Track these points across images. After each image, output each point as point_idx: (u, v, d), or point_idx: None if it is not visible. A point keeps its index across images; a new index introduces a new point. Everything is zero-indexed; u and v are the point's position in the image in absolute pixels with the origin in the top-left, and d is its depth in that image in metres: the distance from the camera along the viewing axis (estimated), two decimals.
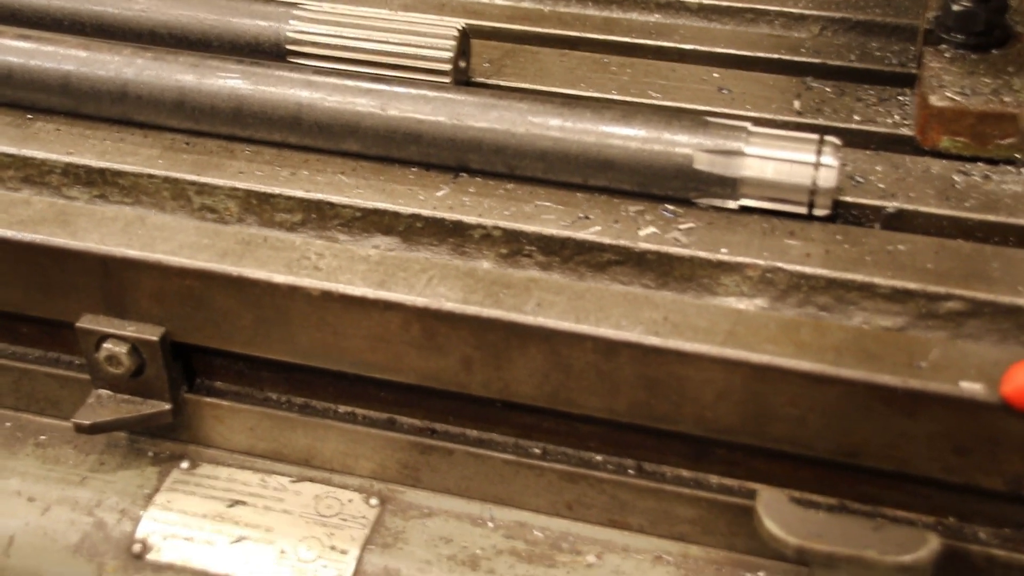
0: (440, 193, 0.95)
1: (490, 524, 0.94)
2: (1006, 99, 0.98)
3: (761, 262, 0.87)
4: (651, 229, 0.91)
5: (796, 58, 1.14)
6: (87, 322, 0.93)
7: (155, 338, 0.92)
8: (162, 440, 1.00)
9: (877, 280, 0.86)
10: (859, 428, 0.81)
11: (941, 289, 0.85)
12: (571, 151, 0.93)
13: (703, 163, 0.91)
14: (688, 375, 0.82)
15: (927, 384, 0.78)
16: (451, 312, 0.85)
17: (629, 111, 0.93)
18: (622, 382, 0.84)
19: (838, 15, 1.20)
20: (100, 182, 0.98)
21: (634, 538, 0.92)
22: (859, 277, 0.86)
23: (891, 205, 0.93)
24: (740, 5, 1.23)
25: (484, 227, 0.92)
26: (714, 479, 0.91)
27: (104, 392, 0.96)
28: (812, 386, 0.80)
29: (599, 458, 0.93)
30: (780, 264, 0.87)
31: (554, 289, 0.86)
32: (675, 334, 0.82)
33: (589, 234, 0.90)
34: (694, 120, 0.93)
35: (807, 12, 1.21)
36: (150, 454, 1.00)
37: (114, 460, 0.99)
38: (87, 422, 0.94)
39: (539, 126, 0.93)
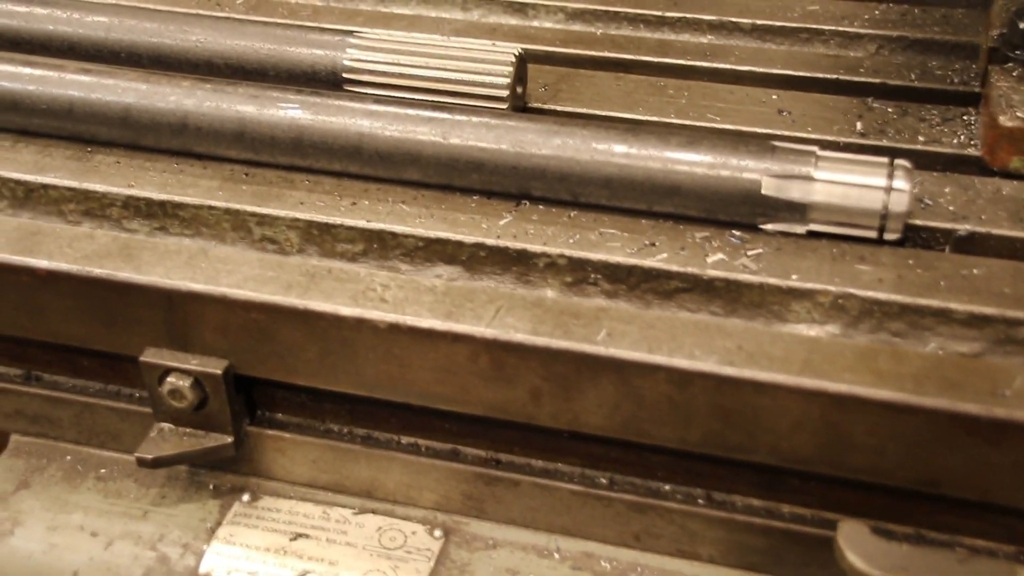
0: (503, 222, 0.94)
1: (556, 555, 0.93)
2: None
3: (832, 288, 0.86)
4: (719, 256, 0.89)
5: (855, 78, 1.13)
6: (151, 356, 0.92)
7: (218, 371, 0.91)
8: (223, 472, 1.00)
9: (953, 305, 0.84)
10: (940, 458, 0.79)
11: (1020, 314, 0.83)
12: (636, 177, 0.92)
13: (771, 188, 0.89)
14: (764, 405, 0.81)
15: (1012, 412, 0.76)
16: (520, 343, 0.84)
17: (694, 136, 0.92)
18: (695, 412, 0.82)
19: (895, 34, 1.19)
20: (160, 215, 0.98)
21: (704, 569, 0.91)
22: (934, 303, 0.84)
23: (962, 228, 0.91)
24: (794, 25, 1.21)
25: (549, 255, 0.91)
26: (786, 508, 0.89)
27: (166, 425, 0.96)
28: (892, 415, 0.78)
29: (667, 487, 0.91)
30: (852, 290, 0.86)
31: (624, 318, 0.85)
32: (750, 363, 0.81)
33: (656, 261, 0.89)
34: (761, 145, 0.91)
35: (863, 31, 1.20)
36: (211, 487, 0.99)
37: (175, 493, 0.99)
38: (150, 456, 0.94)
39: (603, 152, 0.92)
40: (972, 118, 1.06)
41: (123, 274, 0.91)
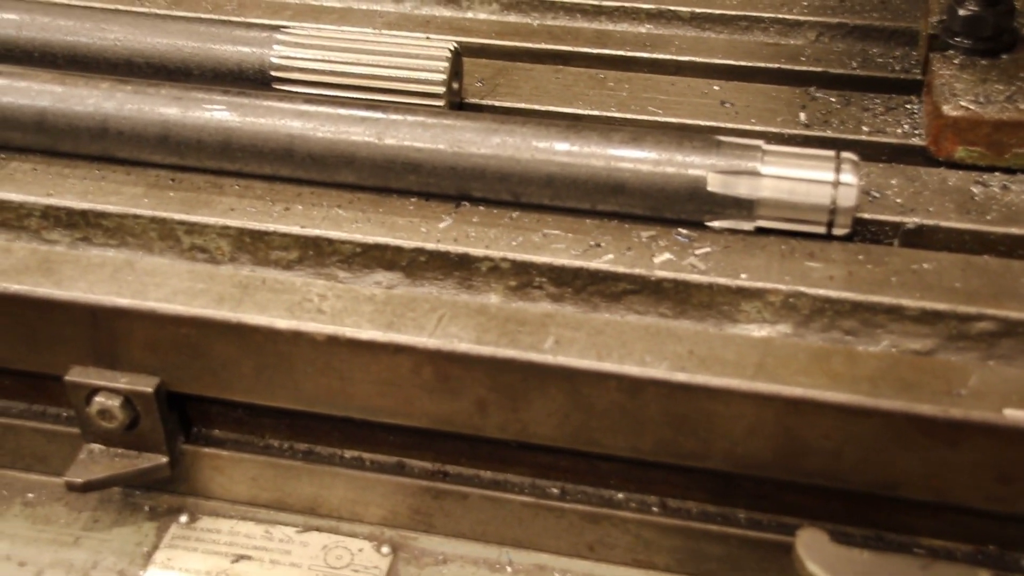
0: (443, 224, 0.90)
1: (509, 568, 0.90)
2: (1021, 106, 0.95)
3: (783, 287, 0.84)
4: (666, 256, 0.87)
5: (797, 67, 1.11)
6: (76, 375, 0.88)
7: (150, 389, 0.87)
8: (158, 493, 0.95)
9: (905, 302, 0.82)
10: (897, 460, 0.77)
11: (972, 309, 0.82)
12: (580, 176, 0.89)
13: (717, 185, 0.87)
14: (717, 411, 0.78)
15: (969, 413, 0.75)
16: (465, 353, 0.81)
17: (638, 133, 0.90)
18: (648, 420, 0.80)
19: (835, 20, 1.17)
20: (82, 224, 0.93)
21: None
22: (886, 299, 0.83)
23: (911, 221, 0.90)
24: (733, 13, 1.19)
25: (492, 259, 0.88)
26: (742, 514, 0.87)
27: (96, 447, 0.91)
28: (848, 418, 0.76)
29: (620, 496, 0.89)
30: (803, 288, 0.84)
31: (571, 325, 0.82)
32: (702, 369, 0.78)
33: (602, 263, 0.86)
34: (706, 140, 0.89)
35: (803, 18, 1.18)
36: (146, 509, 0.95)
37: (108, 517, 0.95)
38: (80, 480, 0.89)
39: (545, 151, 0.89)
40: (915, 107, 1.05)
41: (43, 290, 0.86)
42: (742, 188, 0.87)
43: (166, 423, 0.89)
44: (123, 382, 0.87)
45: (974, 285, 0.84)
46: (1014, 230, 0.89)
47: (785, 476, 0.81)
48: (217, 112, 0.93)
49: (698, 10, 1.20)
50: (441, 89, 1.00)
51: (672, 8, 1.20)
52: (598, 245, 0.88)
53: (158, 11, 1.21)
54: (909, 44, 1.14)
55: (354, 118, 0.92)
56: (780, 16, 1.18)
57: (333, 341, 0.82)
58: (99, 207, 0.93)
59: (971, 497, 0.78)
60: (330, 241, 0.90)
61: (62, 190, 0.94)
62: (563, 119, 1.04)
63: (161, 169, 0.96)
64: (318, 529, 0.93)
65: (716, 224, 0.89)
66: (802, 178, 0.86)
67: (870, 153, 0.99)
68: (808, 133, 1.02)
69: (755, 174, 0.87)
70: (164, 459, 0.91)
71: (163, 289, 0.86)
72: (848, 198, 0.86)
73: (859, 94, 1.07)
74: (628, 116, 1.04)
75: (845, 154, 0.87)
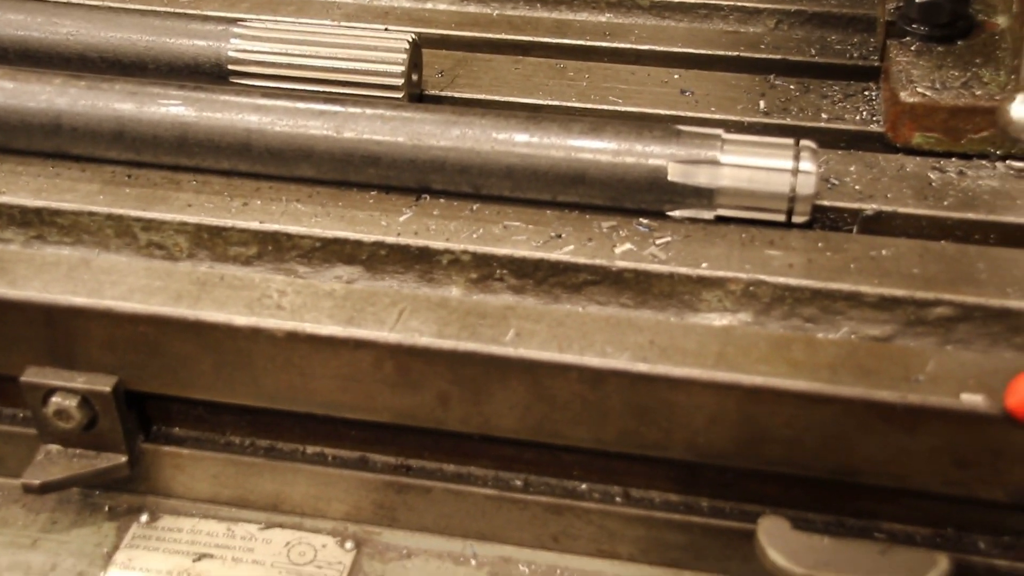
0: (403, 218, 0.90)
1: (473, 562, 0.90)
2: (977, 92, 0.95)
3: (743, 275, 0.84)
4: (627, 246, 0.87)
5: (756, 55, 1.11)
6: (32, 375, 0.87)
7: (108, 389, 0.86)
8: (118, 493, 0.94)
9: (864, 288, 0.83)
10: (857, 446, 0.78)
11: (929, 295, 0.82)
12: (540, 167, 0.89)
13: (677, 174, 0.87)
14: (679, 401, 0.78)
15: (927, 398, 0.75)
16: (426, 348, 0.80)
17: (598, 123, 0.89)
18: (610, 411, 0.80)
19: (793, 7, 1.18)
20: (37, 222, 0.92)
21: (625, 567, 0.89)
22: (845, 286, 0.83)
23: (869, 207, 0.90)
24: (693, 1, 1.19)
25: (452, 252, 0.87)
26: (705, 503, 0.87)
27: (54, 447, 0.90)
28: (808, 406, 0.77)
29: (584, 487, 0.89)
30: (763, 276, 0.84)
31: (532, 316, 0.82)
32: (663, 359, 0.78)
33: (563, 254, 0.86)
34: (665, 129, 0.89)
35: (762, 6, 1.18)
36: (106, 508, 0.94)
37: (67, 518, 0.93)
38: (37, 481, 0.88)
39: (505, 143, 0.89)
40: (873, 93, 1.05)
41: None
42: (702, 177, 0.87)
43: (125, 422, 0.88)
44: (80, 382, 0.86)
45: (931, 271, 0.84)
46: (970, 215, 0.89)
47: (747, 464, 0.81)
48: (173, 107, 0.92)
49: None
50: (400, 81, 0.99)
51: None
52: (559, 236, 0.88)
53: (112, 4, 1.19)
54: (867, 31, 1.15)
55: (312, 111, 0.91)
56: (740, 4, 1.18)
57: (293, 337, 0.82)
58: (53, 205, 0.92)
59: (929, 482, 0.78)
60: (289, 236, 0.89)
61: (15, 188, 0.93)
62: (523, 110, 1.04)
63: (117, 165, 0.95)
64: (281, 526, 0.92)
65: (676, 213, 0.89)
66: (761, 166, 0.86)
67: (829, 140, 0.99)
68: (768, 121, 1.02)
69: (715, 163, 0.87)
70: (123, 458, 0.90)
71: (120, 287, 0.85)
72: (807, 186, 0.86)
73: (818, 81, 1.08)
74: (588, 106, 1.04)
75: (804, 142, 0.88)
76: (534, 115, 0.90)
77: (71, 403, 0.86)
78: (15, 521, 0.93)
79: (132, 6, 1.17)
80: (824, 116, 1.02)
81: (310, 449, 0.92)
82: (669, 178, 0.87)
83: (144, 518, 0.93)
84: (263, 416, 0.91)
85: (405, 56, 0.99)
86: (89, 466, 0.89)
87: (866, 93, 1.05)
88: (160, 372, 0.86)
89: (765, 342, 0.80)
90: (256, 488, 0.92)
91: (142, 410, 0.91)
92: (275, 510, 0.93)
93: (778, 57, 1.11)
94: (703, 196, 0.87)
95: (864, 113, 1.02)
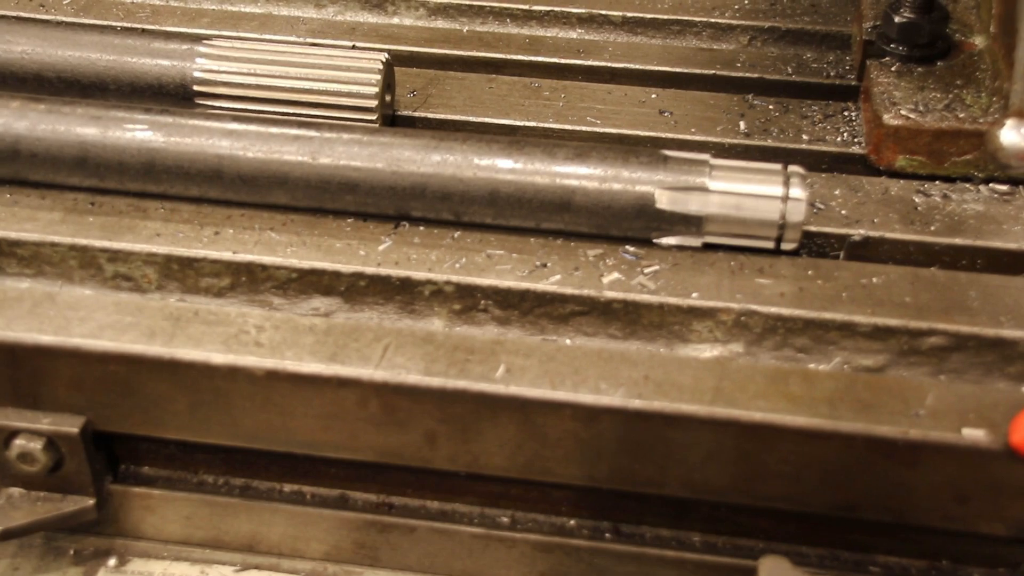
0: (382, 247, 0.87)
1: None
2: (961, 115, 0.95)
3: (735, 305, 0.82)
4: (615, 275, 0.85)
5: (733, 73, 1.10)
6: None
7: (75, 430, 0.82)
8: (84, 536, 0.90)
9: (857, 318, 0.82)
10: (856, 482, 0.76)
11: (923, 324, 0.81)
12: (524, 194, 0.86)
13: (666, 202, 0.85)
14: (675, 437, 0.77)
15: (928, 434, 0.74)
16: (414, 385, 0.77)
17: (583, 148, 0.87)
18: (603, 449, 0.78)
19: (766, 24, 1.16)
20: None
21: None
22: (838, 316, 0.82)
23: (856, 232, 0.89)
24: (665, 17, 1.17)
25: (435, 283, 0.84)
26: (696, 537, 0.85)
27: (16, 491, 0.86)
28: (808, 442, 0.75)
29: (572, 523, 0.87)
30: (754, 306, 0.82)
31: (522, 351, 0.79)
32: (659, 394, 0.76)
33: (550, 284, 0.84)
34: (652, 155, 0.87)
35: (734, 22, 1.17)
36: (71, 553, 0.90)
37: (29, 564, 0.89)
38: None
39: (488, 168, 0.86)
40: (852, 114, 1.04)
41: None
42: (691, 205, 0.85)
43: (93, 463, 0.84)
44: (46, 423, 0.82)
45: (923, 299, 0.83)
46: (957, 240, 0.89)
47: (743, 500, 0.79)
48: (140, 132, 0.88)
49: (629, 14, 1.18)
50: (374, 103, 0.96)
51: (603, 12, 1.18)
52: (544, 265, 0.86)
53: (67, 19, 1.14)
54: (841, 48, 1.14)
55: (287, 136, 0.88)
56: (712, 20, 1.17)
57: (273, 376, 0.78)
58: (13, 235, 0.87)
59: (928, 517, 0.77)
60: (264, 267, 0.86)
61: None
62: (500, 131, 1.02)
63: (79, 192, 0.91)
64: (257, 567, 0.89)
65: (663, 241, 0.87)
66: (751, 193, 0.85)
67: (811, 162, 0.98)
68: (749, 142, 1.00)
69: (703, 190, 0.85)
70: (91, 501, 0.86)
71: (88, 324, 0.81)
72: (797, 213, 0.85)
73: (796, 101, 1.06)
74: (567, 127, 1.02)
75: (792, 167, 0.86)
76: (517, 140, 0.88)
77: (36, 445, 0.82)
78: None
79: (89, 21, 1.13)
80: (805, 137, 1.01)
81: (287, 487, 0.89)
82: (657, 206, 0.85)
83: (112, 562, 0.89)
84: (238, 454, 0.87)
85: (379, 77, 0.96)
86: (54, 510, 0.85)
87: (845, 113, 1.04)
88: (131, 412, 0.82)
89: (761, 376, 0.78)
90: (231, 528, 0.89)
91: (110, 449, 0.87)
92: (251, 551, 0.90)
93: (755, 76, 1.09)
94: (691, 223, 0.86)
95: (845, 134, 1.01)
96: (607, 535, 0.86)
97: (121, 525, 0.89)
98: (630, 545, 0.85)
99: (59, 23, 1.08)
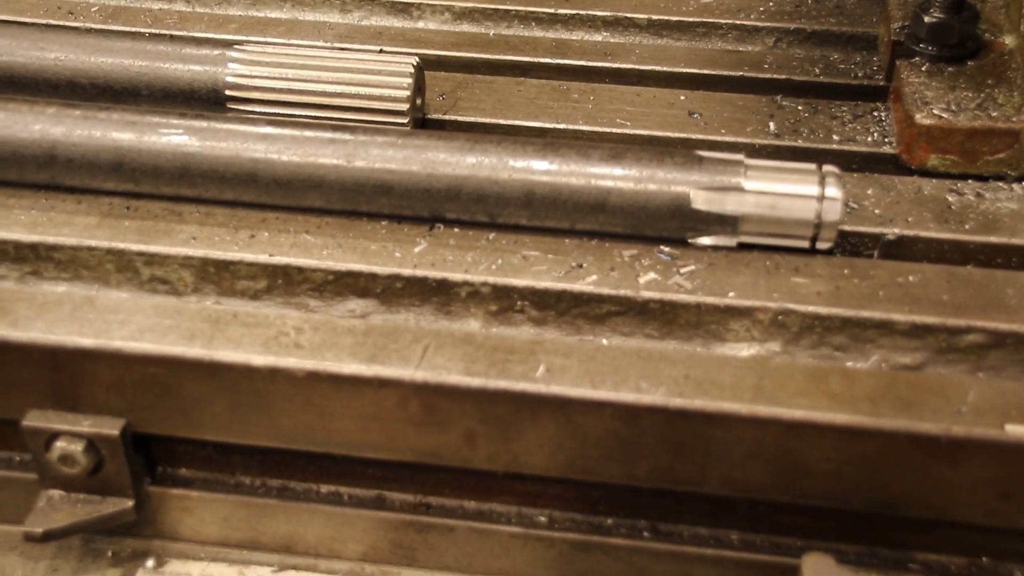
0: (418, 249, 0.87)
1: None
2: (993, 113, 0.95)
3: (772, 304, 0.82)
4: (651, 275, 0.85)
5: (761, 75, 1.10)
6: (35, 419, 0.82)
7: (115, 432, 0.82)
8: (122, 537, 0.90)
9: (894, 316, 0.82)
10: (898, 479, 0.76)
11: (961, 322, 0.81)
12: (560, 195, 0.86)
13: (702, 202, 0.85)
14: (716, 436, 0.77)
15: (971, 430, 0.74)
16: (454, 386, 0.77)
17: (617, 149, 0.87)
18: (644, 447, 0.78)
19: (792, 26, 1.16)
20: (32, 258, 0.88)
21: None
22: (875, 314, 0.82)
23: (890, 232, 0.89)
24: (691, 19, 1.18)
25: (471, 284, 0.85)
26: (735, 535, 0.85)
27: (56, 493, 0.86)
28: (849, 439, 0.75)
29: (610, 522, 0.86)
30: (791, 305, 0.82)
31: (562, 351, 0.79)
32: (700, 393, 0.76)
33: (586, 285, 0.84)
34: (687, 155, 0.87)
35: (760, 24, 1.17)
36: (109, 554, 0.90)
37: (68, 565, 0.89)
38: (39, 530, 0.84)
39: (523, 170, 0.87)
40: (882, 114, 1.04)
41: None
42: (727, 204, 0.85)
43: (132, 466, 0.84)
44: (86, 425, 0.82)
45: (960, 297, 0.83)
46: (992, 239, 0.89)
47: (783, 498, 0.79)
48: (175, 136, 0.88)
49: (655, 17, 1.18)
50: (405, 106, 0.97)
51: (628, 15, 1.18)
52: (580, 266, 0.86)
53: (97, 27, 1.15)
54: (868, 49, 1.14)
55: (321, 140, 0.88)
56: (738, 22, 1.17)
57: (313, 377, 0.78)
58: (50, 239, 0.88)
59: (970, 514, 0.77)
60: (300, 269, 0.86)
61: (8, 222, 0.89)
62: (531, 133, 1.02)
63: (115, 197, 0.91)
64: (295, 568, 0.89)
65: (699, 241, 0.87)
66: (786, 193, 0.85)
67: (842, 162, 0.97)
68: (780, 143, 1.00)
69: (739, 190, 0.85)
70: (130, 503, 0.86)
71: (128, 327, 0.81)
72: (833, 212, 0.85)
73: (825, 102, 1.06)
74: (598, 129, 1.02)
75: (827, 167, 0.86)
76: (551, 142, 0.88)
77: (76, 447, 0.82)
78: (12, 571, 0.89)
79: (120, 28, 1.14)
80: (836, 138, 1.01)
81: (324, 488, 0.89)
82: (693, 206, 0.85)
83: (150, 563, 0.89)
84: (274, 455, 0.87)
85: (410, 80, 0.97)
86: (94, 512, 0.85)
87: (875, 114, 1.04)
88: (171, 414, 0.82)
89: (801, 374, 0.78)
90: (268, 529, 0.89)
91: (148, 451, 0.87)
92: (288, 551, 0.90)
93: (783, 77, 1.10)
94: (727, 223, 0.86)
95: (875, 134, 1.01)
96: (645, 533, 0.86)
97: (159, 526, 0.90)
98: (668, 544, 0.85)
99: (90, 30, 1.08)
